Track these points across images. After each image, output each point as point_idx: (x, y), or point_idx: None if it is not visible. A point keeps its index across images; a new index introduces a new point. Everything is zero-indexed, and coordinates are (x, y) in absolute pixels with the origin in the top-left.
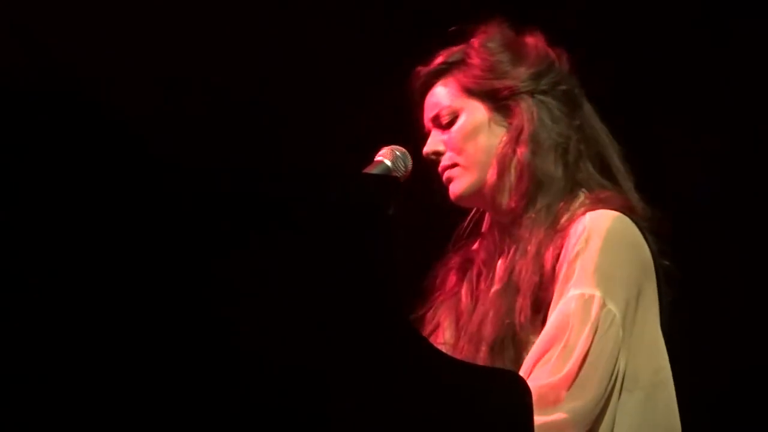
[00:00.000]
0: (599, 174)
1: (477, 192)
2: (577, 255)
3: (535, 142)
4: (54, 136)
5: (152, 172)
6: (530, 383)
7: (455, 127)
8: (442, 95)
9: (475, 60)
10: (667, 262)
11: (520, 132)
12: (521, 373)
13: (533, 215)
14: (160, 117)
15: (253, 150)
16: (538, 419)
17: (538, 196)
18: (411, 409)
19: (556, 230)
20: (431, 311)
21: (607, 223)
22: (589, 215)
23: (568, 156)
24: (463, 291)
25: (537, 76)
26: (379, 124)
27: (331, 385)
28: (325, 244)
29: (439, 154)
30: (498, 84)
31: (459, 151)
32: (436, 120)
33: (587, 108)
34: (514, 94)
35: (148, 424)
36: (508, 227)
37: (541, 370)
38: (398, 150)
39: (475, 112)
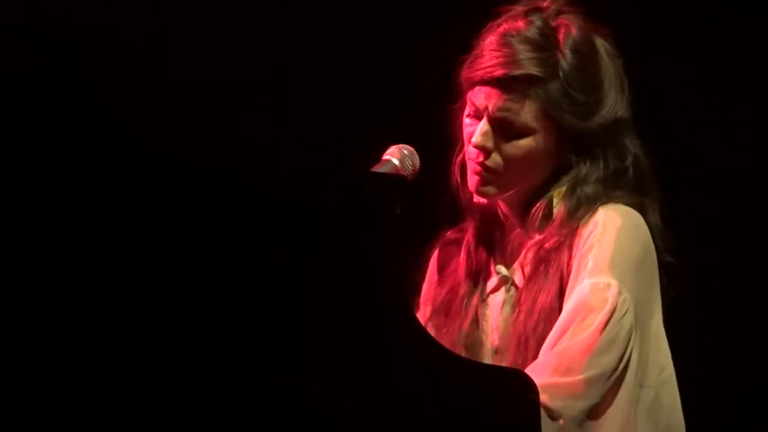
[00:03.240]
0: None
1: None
2: (590, 248)
3: (597, 181)
4: (50, 135)
5: (156, 170)
6: (549, 357)
7: (521, 144)
8: (521, 107)
9: (566, 84)
10: (671, 259)
11: (589, 173)
12: (542, 353)
13: (566, 231)
14: (162, 115)
15: (261, 148)
16: (556, 380)
17: (578, 214)
18: (416, 408)
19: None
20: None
21: (619, 217)
22: (602, 211)
23: (618, 184)
24: (461, 271)
25: (615, 120)
26: (387, 123)
27: (334, 382)
28: (332, 243)
29: (486, 151)
30: (580, 126)
31: (513, 169)
32: (500, 122)
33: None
34: (594, 143)
35: (147, 425)
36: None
37: (558, 346)
38: (406, 149)
39: (547, 139)
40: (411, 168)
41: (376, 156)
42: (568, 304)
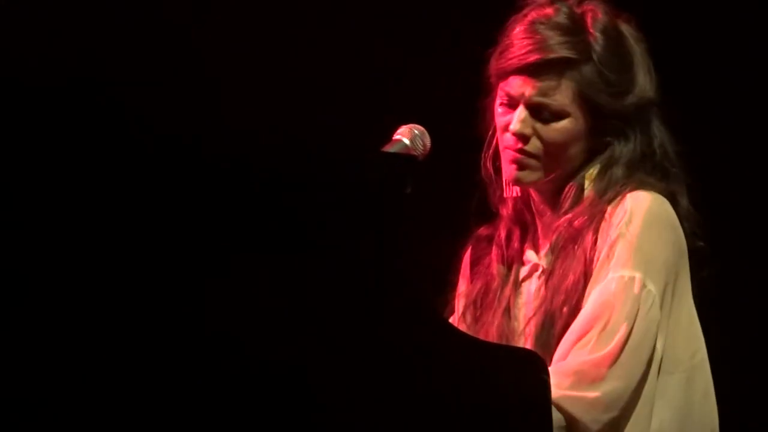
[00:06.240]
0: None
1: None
2: (617, 237)
3: (627, 163)
4: (49, 134)
5: (160, 154)
6: (570, 360)
7: (559, 127)
8: (558, 91)
9: (600, 65)
10: (701, 243)
11: (622, 153)
12: (558, 351)
13: (594, 210)
14: (161, 96)
15: (269, 128)
16: (575, 394)
17: (607, 195)
18: (425, 388)
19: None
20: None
21: (646, 204)
22: (629, 197)
23: (645, 167)
24: (494, 267)
25: (646, 100)
26: (398, 103)
27: (344, 361)
28: (342, 223)
29: (525, 138)
30: (615, 106)
31: (550, 153)
32: (537, 107)
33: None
34: (626, 123)
35: (148, 424)
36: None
37: (581, 349)
38: (416, 128)
39: (583, 121)
40: (422, 148)
41: (387, 136)
42: (592, 298)
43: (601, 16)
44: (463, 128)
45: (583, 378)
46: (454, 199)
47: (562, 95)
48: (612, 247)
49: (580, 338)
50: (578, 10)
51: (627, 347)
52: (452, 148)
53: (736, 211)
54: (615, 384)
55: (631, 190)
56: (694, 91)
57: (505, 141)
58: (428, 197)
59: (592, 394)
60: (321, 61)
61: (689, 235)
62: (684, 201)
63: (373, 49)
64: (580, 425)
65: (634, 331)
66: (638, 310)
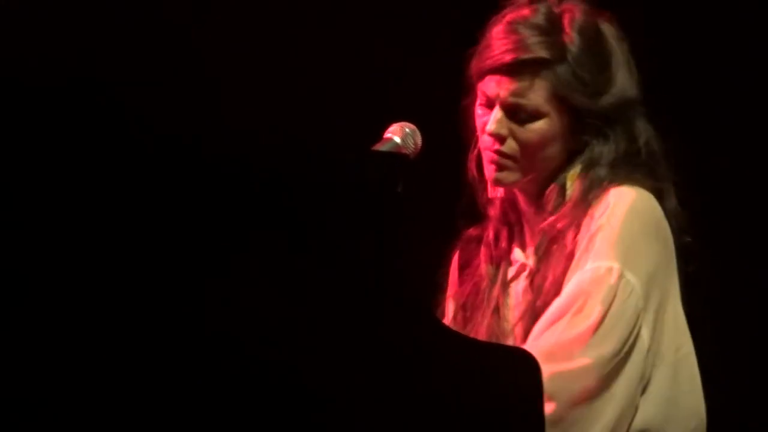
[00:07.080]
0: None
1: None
2: (598, 229)
3: (609, 163)
4: (49, 134)
5: (160, 154)
6: (541, 341)
7: (535, 128)
8: (532, 91)
9: (574, 65)
10: (688, 239)
11: (601, 154)
12: (530, 337)
13: (578, 211)
14: (161, 96)
15: (269, 128)
16: (550, 367)
17: (590, 195)
18: (421, 387)
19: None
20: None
21: (630, 197)
22: (613, 192)
23: (629, 167)
24: (483, 268)
25: (625, 100)
26: (398, 103)
27: (343, 361)
28: (342, 223)
29: (501, 138)
30: (590, 105)
31: (527, 154)
32: (513, 107)
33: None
34: (604, 123)
35: (145, 425)
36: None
37: (553, 332)
38: (408, 127)
39: (559, 121)
40: (413, 146)
41: (378, 134)
42: (567, 288)
43: (579, 16)
44: (464, 128)
45: (554, 355)
46: (455, 200)
47: (537, 95)
48: (592, 239)
49: (552, 324)
50: (557, 10)
51: (601, 327)
52: (452, 148)
53: (735, 209)
54: (587, 360)
55: (615, 186)
56: (691, 90)
57: (484, 142)
58: (428, 198)
59: (565, 365)
60: (321, 61)
61: (676, 232)
62: (671, 198)
63: (373, 49)
64: (546, 395)
65: (608, 316)
66: (614, 297)
